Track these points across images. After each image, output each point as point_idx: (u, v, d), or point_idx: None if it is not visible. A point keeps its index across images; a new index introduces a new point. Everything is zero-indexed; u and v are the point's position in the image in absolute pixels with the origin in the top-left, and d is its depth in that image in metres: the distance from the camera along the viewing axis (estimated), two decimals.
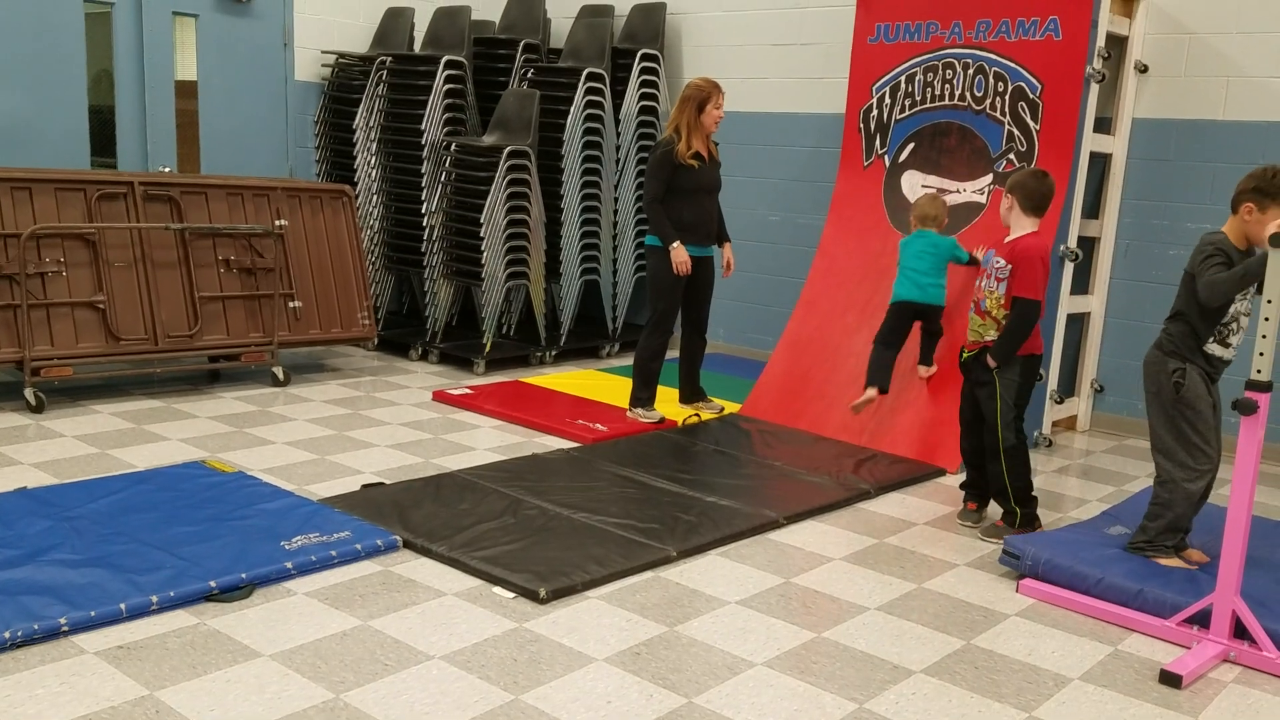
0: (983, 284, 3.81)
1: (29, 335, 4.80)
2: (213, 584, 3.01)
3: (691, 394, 5.39)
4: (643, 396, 5.19)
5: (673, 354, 5.34)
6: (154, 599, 2.89)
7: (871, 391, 4.65)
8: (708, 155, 4.98)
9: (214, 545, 3.27)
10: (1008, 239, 3.81)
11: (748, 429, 5.11)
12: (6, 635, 2.64)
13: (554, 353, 6.61)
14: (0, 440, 4.39)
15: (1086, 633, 3.11)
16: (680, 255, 4.92)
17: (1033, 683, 2.79)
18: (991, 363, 3.76)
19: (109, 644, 2.71)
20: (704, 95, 4.84)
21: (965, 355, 3.91)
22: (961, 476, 4.11)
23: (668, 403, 5.36)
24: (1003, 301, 3.74)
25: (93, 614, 2.78)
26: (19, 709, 2.40)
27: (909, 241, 4.81)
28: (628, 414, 5.20)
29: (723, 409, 5.38)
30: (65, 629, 2.73)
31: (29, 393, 4.80)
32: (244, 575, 3.08)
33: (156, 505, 3.59)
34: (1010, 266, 3.72)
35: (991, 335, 3.78)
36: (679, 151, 4.85)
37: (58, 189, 5.02)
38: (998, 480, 3.82)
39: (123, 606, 2.83)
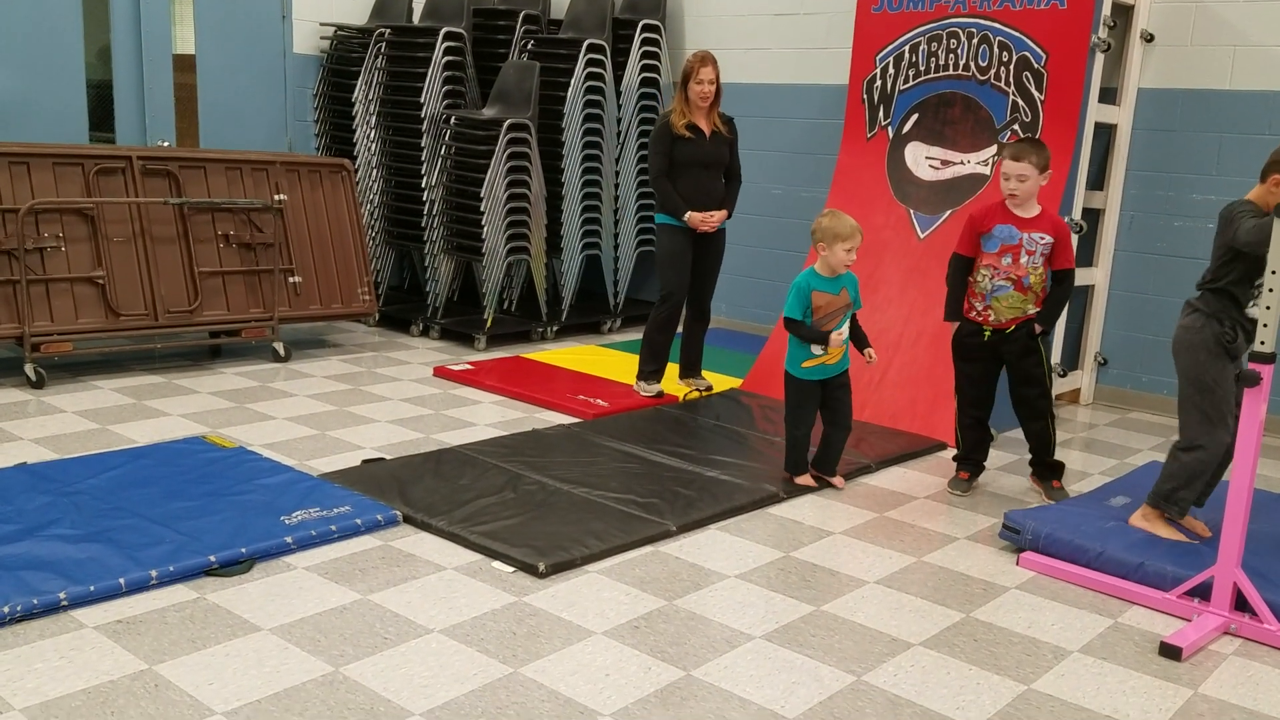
0: (1023, 260, 3.82)
1: (28, 311, 4.79)
2: (212, 559, 3.01)
3: (688, 369, 5.38)
4: (646, 370, 5.19)
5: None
6: (153, 574, 2.89)
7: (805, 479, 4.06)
8: (709, 130, 4.94)
9: (214, 520, 3.27)
10: (1028, 213, 3.83)
11: (749, 404, 5.09)
12: (6, 610, 2.64)
13: (555, 328, 6.59)
14: (0, 416, 4.39)
15: (1086, 605, 3.11)
16: (693, 219, 4.90)
17: (1032, 655, 2.79)
18: (1039, 329, 3.89)
19: (108, 618, 2.72)
20: (688, 70, 4.86)
21: (1009, 332, 3.89)
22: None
23: (668, 380, 5.34)
24: (1043, 275, 3.85)
25: (92, 589, 2.79)
26: (18, 683, 2.41)
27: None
28: (634, 385, 5.22)
29: (711, 387, 5.35)
30: (65, 604, 2.73)
31: (29, 368, 4.80)
32: (244, 550, 3.08)
33: (156, 480, 3.59)
34: (1054, 241, 3.83)
35: (1032, 308, 3.88)
36: (672, 123, 4.87)
37: (56, 164, 4.99)
38: (1045, 439, 3.98)
39: (122, 581, 2.83)
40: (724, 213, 5.01)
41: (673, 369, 5.41)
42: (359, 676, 2.51)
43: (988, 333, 3.93)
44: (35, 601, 2.70)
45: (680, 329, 5.36)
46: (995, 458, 4.43)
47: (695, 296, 5.19)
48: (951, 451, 4.28)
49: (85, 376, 5.06)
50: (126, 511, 3.30)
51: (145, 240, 5.19)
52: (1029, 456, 4.09)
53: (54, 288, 4.92)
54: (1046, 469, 4.03)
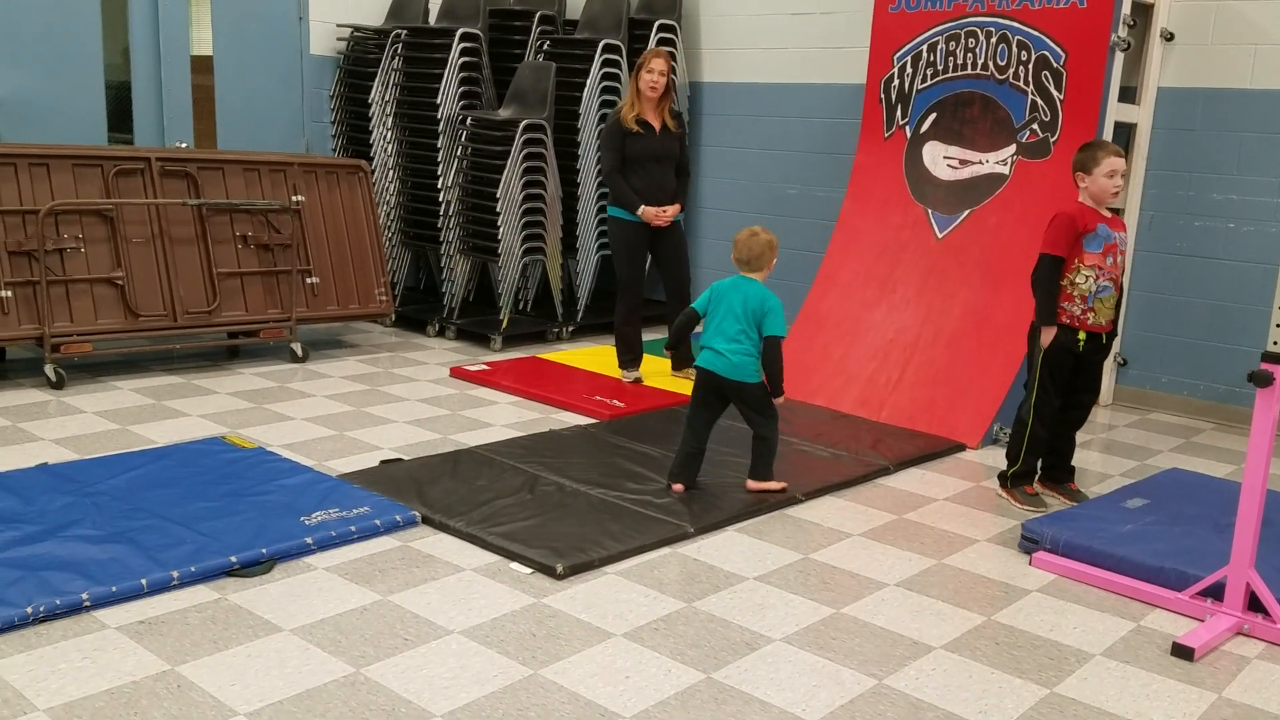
0: (1119, 260, 3.75)
1: (48, 311, 4.82)
2: (234, 559, 3.02)
3: (680, 362, 5.47)
4: (623, 360, 5.44)
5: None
6: (175, 574, 2.90)
7: (677, 487, 3.83)
8: (660, 125, 5.13)
9: (234, 520, 3.28)
10: (1107, 214, 3.77)
11: None
12: (29, 610, 2.66)
13: (571, 329, 6.60)
14: (21, 416, 4.41)
15: (1108, 608, 3.09)
16: (647, 213, 5.12)
17: (1054, 659, 2.78)
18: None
19: (130, 619, 2.73)
20: (640, 62, 5.07)
21: (1104, 339, 3.79)
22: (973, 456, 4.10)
23: (663, 376, 5.48)
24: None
25: (114, 589, 2.80)
26: (42, 683, 2.42)
27: (723, 289, 3.79)
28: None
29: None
30: (87, 604, 2.75)
31: (49, 369, 4.83)
32: (265, 550, 3.09)
33: (177, 481, 3.61)
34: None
35: (1117, 309, 3.83)
36: (623, 117, 5.07)
37: (75, 165, 5.02)
38: (1073, 442, 3.97)
39: (144, 582, 2.85)
40: (677, 207, 5.23)
41: (666, 364, 5.54)
42: (380, 677, 2.52)
43: (1083, 338, 3.72)
44: (58, 602, 2.71)
45: (666, 324, 5.43)
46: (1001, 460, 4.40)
47: (672, 286, 5.39)
48: (971, 453, 4.25)
49: (105, 377, 5.08)
50: (147, 512, 3.31)
51: (164, 241, 5.21)
52: (1045, 463, 4.01)
53: (74, 288, 4.95)
54: (1063, 471, 4.00)
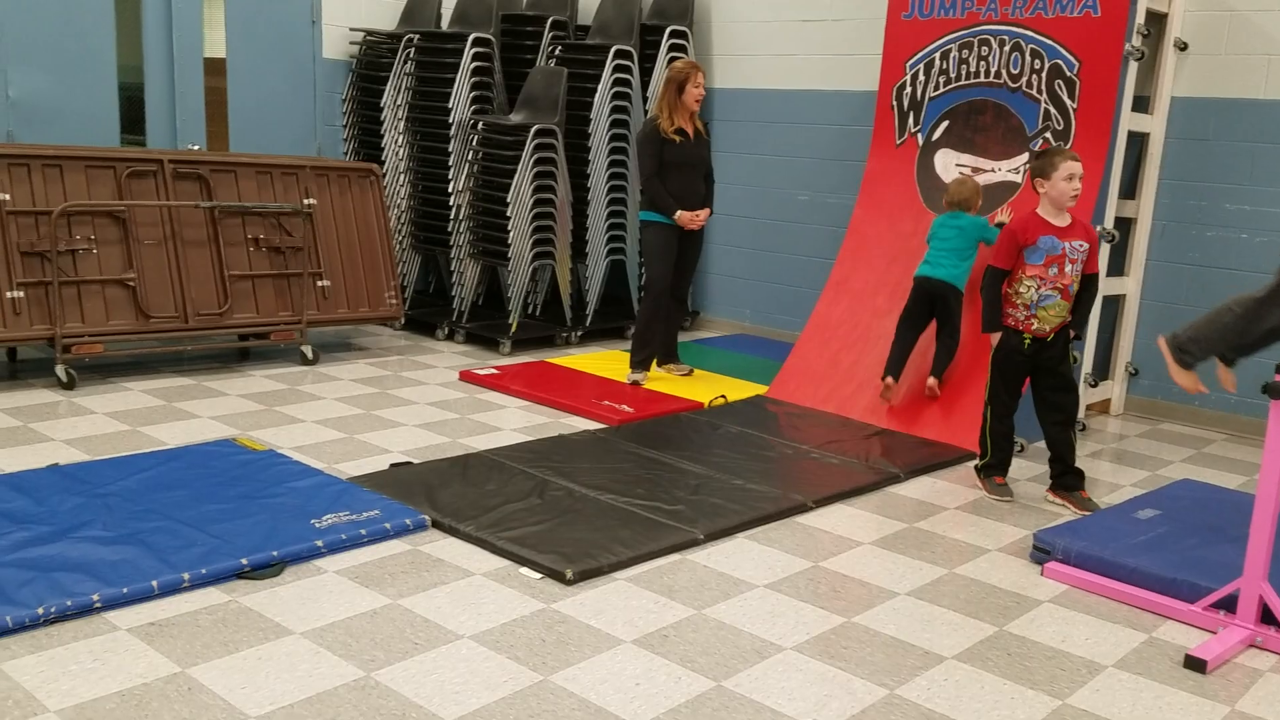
0: (1068, 269, 3.88)
1: (60, 312, 4.84)
2: (244, 561, 3.02)
3: (666, 356, 5.68)
4: (636, 359, 5.51)
5: None
6: (186, 576, 2.91)
7: (888, 380, 4.79)
8: (693, 133, 5.28)
9: (245, 523, 3.29)
10: (1062, 222, 3.89)
11: (774, 411, 5.08)
12: (40, 611, 2.66)
13: (579, 333, 6.60)
14: (32, 417, 4.43)
15: (1120, 620, 3.08)
16: (684, 218, 5.27)
17: (1066, 670, 2.76)
18: (1074, 334, 4.02)
19: (141, 621, 2.73)
20: (683, 76, 5.20)
21: (1049, 340, 3.95)
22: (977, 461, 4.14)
23: (664, 380, 5.57)
24: (1077, 282, 3.94)
25: (125, 591, 2.80)
26: (52, 684, 2.42)
27: (941, 222, 4.84)
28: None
29: (691, 371, 5.71)
30: (98, 605, 2.75)
31: (60, 369, 4.84)
32: (275, 553, 3.09)
33: (188, 483, 3.61)
34: (1089, 247, 3.93)
35: (1067, 314, 3.95)
36: (662, 126, 5.20)
37: (88, 166, 5.04)
38: (1071, 445, 4.02)
39: (155, 584, 2.85)
40: (708, 211, 5.43)
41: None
42: (390, 682, 2.52)
43: (1028, 341, 3.95)
44: (69, 603, 2.71)
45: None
46: (1022, 468, 4.40)
47: (676, 284, 5.52)
48: (974, 462, 4.24)
49: (115, 378, 5.10)
50: (158, 513, 3.32)
51: (176, 243, 5.22)
52: (1048, 470, 4.08)
53: (85, 289, 4.96)
54: (1072, 477, 4.03)
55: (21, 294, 4.78)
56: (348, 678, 2.52)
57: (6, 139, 5.59)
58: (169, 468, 3.75)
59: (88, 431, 4.27)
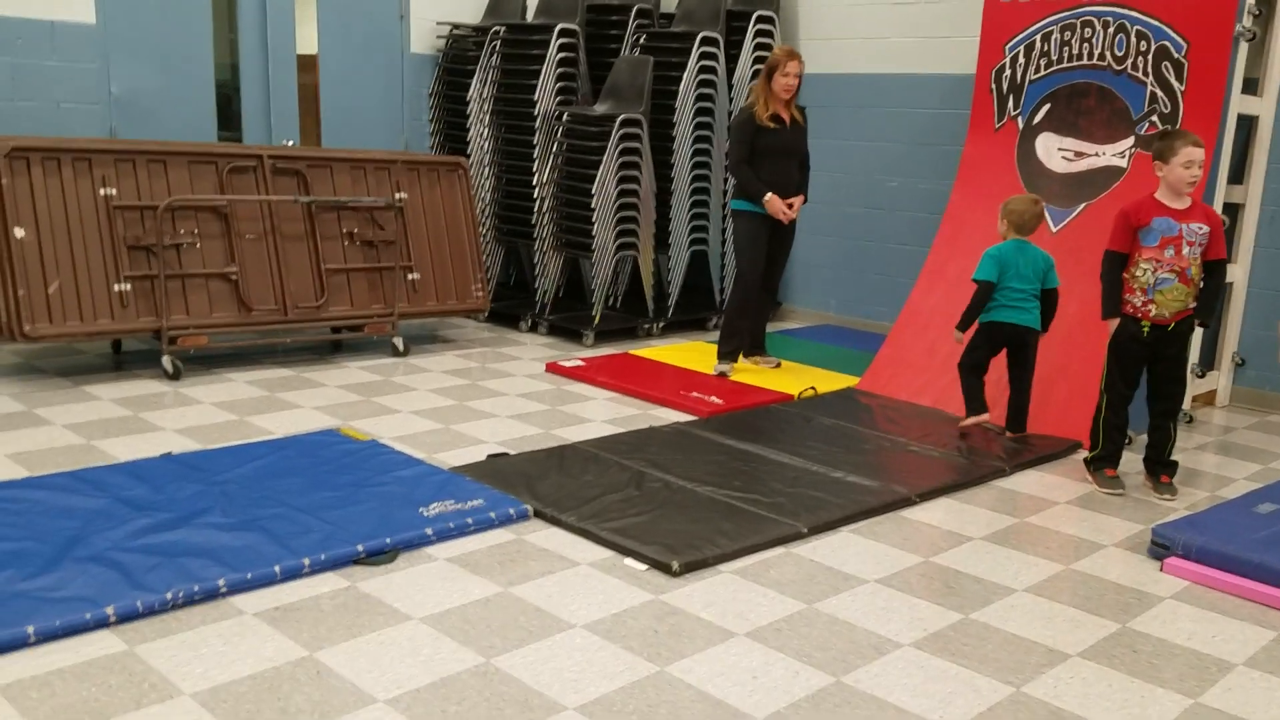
0: (1185, 252, 3.78)
1: (166, 305, 4.96)
2: (360, 548, 3.07)
3: (753, 347, 5.63)
4: (724, 351, 5.49)
5: None
6: (306, 561, 2.96)
7: (984, 416, 4.58)
8: (789, 120, 5.22)
9: (357, 510, 3.34)
10: (1181, 205, 3.80)
11: (868, 403, 5.01)
12: (168, 596, 2.73)
13: (661, 324, 6.58)
14: (141, 406, 4.55)
15: (1246, 616, 2.98)
16: (774, 205, 5.19)
17: (1195, 668, 2.68)
18: (1200, 323, 3.92)
19: (266, 605, 2.79)
20: (774, 63, 5.16)
21: (1170, 329, 3.85)
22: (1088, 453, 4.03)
23: (750, 371, 5.53)
24: (1200, 267, 3.83)
25: (249, 576, 2.86)
26: (186, 668, 2.48)
27: (1010, 255, 4.42)
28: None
29: (779, 363, 5.63)
30: (224, 590, 2.82)
31: (166, 360, 4.97)
32: (389, 540, 3.13)
33: (299, 471, 3.68)
34: (1210, 230, 3.81)
35: (1192, 302, 3.85)
36: (756, 113, 5.15)
37: (191, 162, 5.16)
38: (1173, 436, 3.96)
39: (277, 569, 2.91)
40: (802, 198, 5.35)
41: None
42: (509, 668, 2.54)
43: (1146, 328, 3.85)
44: (196, 588, 2.78)
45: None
46: (1133, 461, 4.27)
47: (767, 277, 5.47)
48: (1083, 454, 4.14)
49: (218, 369, 5.22)
50: (274, 501, 3.39)
51: (275, 237, 5.33)
52: (1146, 455, 4.04)
53: (190, 283, 5.08)
54: (1164, 466, 3.96)
55: (129, 287, 4.91)
56: (468, 663, 2.55)
57: (110, 135, 5.76)
58: (280, 456, 3.83)
59: (196, 421, 4.38)
